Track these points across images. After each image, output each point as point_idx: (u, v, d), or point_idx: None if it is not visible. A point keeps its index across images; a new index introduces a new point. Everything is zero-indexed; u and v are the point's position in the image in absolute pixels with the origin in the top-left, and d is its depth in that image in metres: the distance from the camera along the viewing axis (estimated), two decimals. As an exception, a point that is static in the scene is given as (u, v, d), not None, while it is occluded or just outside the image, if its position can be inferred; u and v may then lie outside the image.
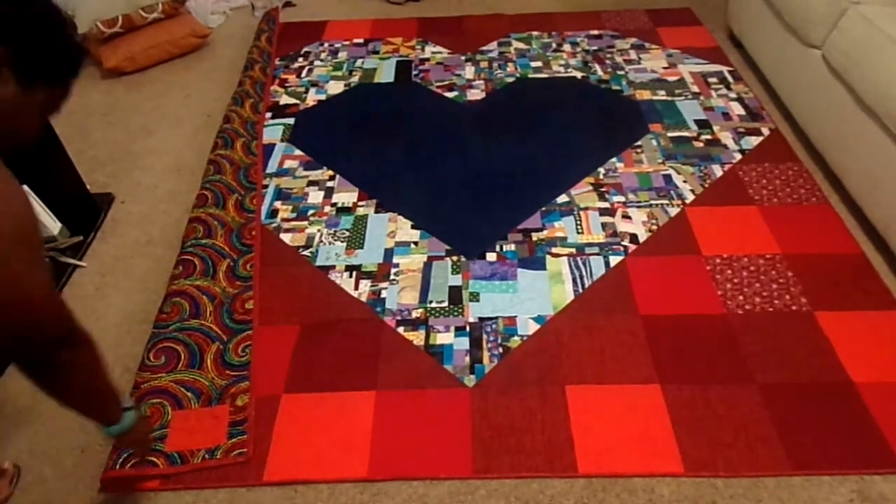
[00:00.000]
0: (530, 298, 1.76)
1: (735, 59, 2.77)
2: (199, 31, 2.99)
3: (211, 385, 1.55)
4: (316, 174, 2.23)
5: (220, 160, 2.20)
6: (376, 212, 2.06)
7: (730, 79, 2.62)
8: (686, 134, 2.33)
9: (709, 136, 2.31)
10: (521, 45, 2.93)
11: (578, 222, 1.99)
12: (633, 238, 1.93)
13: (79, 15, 2.78)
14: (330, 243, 1.96)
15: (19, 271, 0.85)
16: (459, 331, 1.68)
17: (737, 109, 2.44)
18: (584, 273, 1.83)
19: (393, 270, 1.86)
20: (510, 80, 2.70)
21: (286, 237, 1.98)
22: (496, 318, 1.72)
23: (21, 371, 0.97)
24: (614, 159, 2.23)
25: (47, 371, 0.98)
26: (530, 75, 2.72)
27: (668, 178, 2.14)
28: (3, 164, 0.87)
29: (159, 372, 1.57)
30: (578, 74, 2.70)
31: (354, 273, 1.86)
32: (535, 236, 1.95)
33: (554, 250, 1.90)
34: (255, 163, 2.26)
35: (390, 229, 2.00)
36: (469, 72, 2.75)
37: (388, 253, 1.92)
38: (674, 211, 2.02)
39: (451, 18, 3.18)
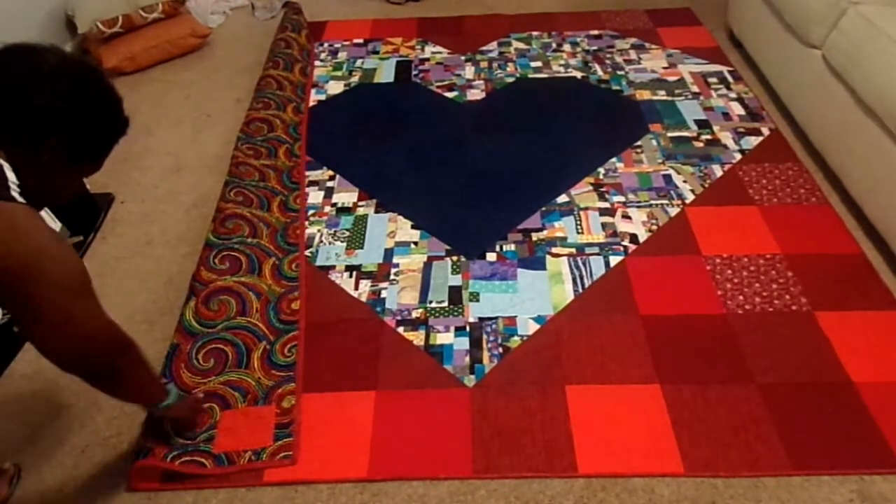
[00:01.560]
0: (530, 298, 1.76)
1: (735, 59, 2.77)
2: (199, 31, 2.99)
3: (257, 385, 1.54)
4: (316, 174, 2.23)
5: (265, 169, 2.18)
6: (376, 212, 2.06)
7: (730, 79, 2.62)
8: (686, 134, 2.33)
9: (709, 136, 2.31)
10: (521, 45, 2.93)
11: (578, 222, 1.99)
12: (633, 238, 1.93)
13: (79, 15, 2.78)
14: (330, 243, 1.96)
15: (83, 316, 1.02)
16: (459, 331, 1.68)
17: (737, 109, 2.44)
18: (584, 273, 1.83)
19: (393, 270, 1.86)
20: (510, 80, 2.70)
21: (286, 237, 1.98)
22: (496, 318, 1.71)
23: (86, 381, 1.11)
24: (614, 159, 2.23)
25: (108, 380, 1.14)
26: (530, 75, 2.72)
27: (668, 178, 2.14)
28: (47, 224, 0.98)
29: (209, 375, 1.56)
30: (578, 74, 2.70)
31: (354, 273, 1.86)
32: (535, 236, 1.95)
33: (554, 250, 1.90)
34: (298, 164, 2.25)
35: (390, 229, 2.00)
36: (469, 72, 2.75)
37: (388, 253, 1.92)
38: (674, 211, 2.02)
39: (451, 18, 3.18)
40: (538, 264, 1.86)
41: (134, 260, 1.96)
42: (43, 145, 0.98)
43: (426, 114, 2.52)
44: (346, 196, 2.13)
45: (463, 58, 2.86)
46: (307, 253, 1.93)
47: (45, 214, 1.91)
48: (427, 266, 1.87)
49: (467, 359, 1.61)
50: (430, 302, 1.77)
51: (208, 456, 1.40)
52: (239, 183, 2.07)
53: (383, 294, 1.79)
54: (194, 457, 1.39)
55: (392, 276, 1.84)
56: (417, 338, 1.67)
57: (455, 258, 1.89)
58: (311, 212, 2.07)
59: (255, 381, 1.55)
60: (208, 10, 3.25)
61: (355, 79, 2.75)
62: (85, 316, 1.03)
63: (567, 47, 2.90)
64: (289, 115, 2.46)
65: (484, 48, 2.92)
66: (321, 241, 1.97)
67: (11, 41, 1.00)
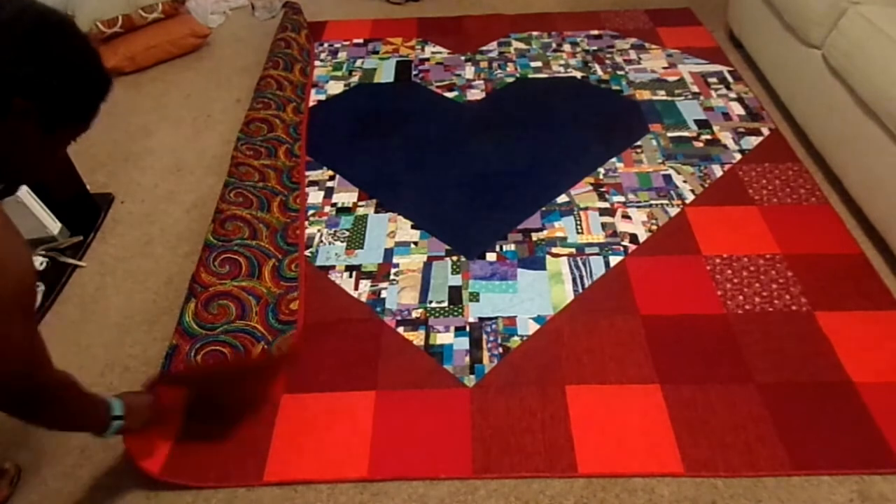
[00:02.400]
0: (530, 298, 1.76)
1: (735, 59, 2.77)
2: (199, 31, 2.99)
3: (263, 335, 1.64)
4: (316, 174, 2.23)
5: (265, 169, 2.18)
6: (376, 212, 2.06)
7: (730, 79, 2.62)
8: (686, 134, 2.33)
9: (709, 136, 2.31)
10: (521, 45, 2.93)
11: (578, 222, 1.99)
12: (633, 238, 1.93)
13: (79, 15, 2.77)
14: (330, 243, 1.96)
15: (6, 332, 0.88)
16: (459, 331, 1.68)
17: (737, 109, 2.44)
18: (584, 273, 1.83)
19: (393, 270, 1.86)
20: (510, 80, 2.70)
21: (286, 237, 1.98)
22: (496, 318, 1.72)
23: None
24: (614, 159, 2.23)
25: (21, 412, 1.03)
26: (530, 75, 2.72)
27: (668, 178, 2.14)
28: (10, 220, 0.89)
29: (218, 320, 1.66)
30: (578, 74, 2.70)
31: (354, 273, 1.86)
32: (535, 236, 1.95)
33: (554, 250, 1.90)
34: (298, 164, 2.25)
35: (390, 229, 2.00)
36: (469, 72, 2.75)
37: (388, 253, 1.92)
38: (674, 211, 2.02)
39: (451, 18, 3.18)
40: (538, 264, 1.86)
41: (134, 260, 1.96)
42: (6, 111, 0.86)
43: (426, 114, 2.52)
44: (346, 196, 2.13)
45: (463, 58, 2.86)
46: (307, 253, 1.93)
47: (45, 214, 1.91)
48: (427, 266, 1.87)
49: (467, 359, 1.61)
50: (430, 302, 1.77)
51: (226, 345, 1.47)
52: (238, 184, 2.07)
53: (383, 294, 1.79)
54: (214, 346, 1.47)
55: (392, 276, 1.84)
56: (417, 338, 1.67)
57: (455, 258, 1.89)
58: (311, 212, 2.07)
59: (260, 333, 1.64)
60: (208, 10, 3.25)
61: (355, 79, 2.75)
62: (9, 332, 0.88)
63: (567, 47, 2.90)
64: (289, 115, 2.46)
65: (484, 48, 2.92)
66: (321, 241, 1.97)
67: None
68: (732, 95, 2.52)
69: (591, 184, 2.13)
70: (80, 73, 0.93)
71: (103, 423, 1.18)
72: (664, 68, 2.70)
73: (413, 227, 2.00)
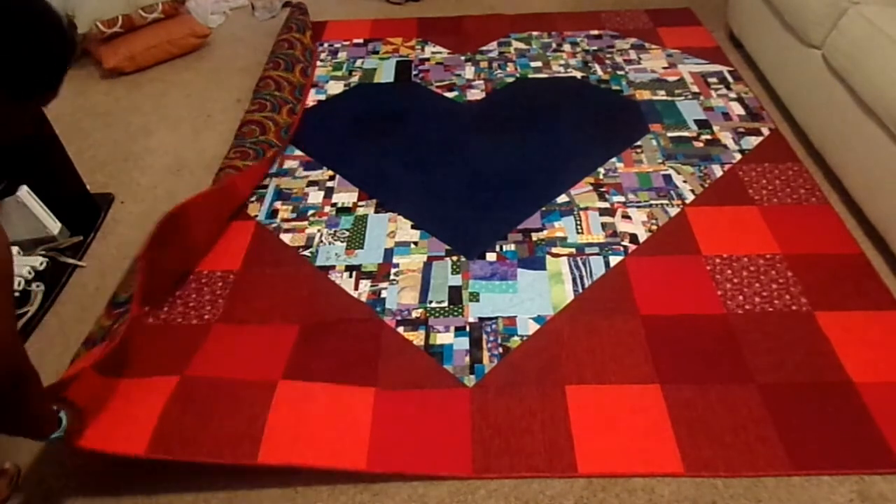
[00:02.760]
0: (530, 298, 1.76)
1: (735, 59, 2.77)
2: (199, 31, 2.99)
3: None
4: (316, 174, 2.23)
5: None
6: (376, 212, 2.06)
7: (730, 79, 2.62)
8: (686, 134, 2.33)
9: (709, 136, 2.31)
10: (521, 45, 2.93)
11: (578, 222, 1.99)
12: (633, 238, 1.93)
13: (79, 15, 2.78)
14: (330, 243, 1.96)
15: None
16: (459, 331, 1.68)
17: (737, 109, 2.44)
18: (583, 273, 1.83)
19: (393, 270, 1.86)
20: (510, 80, 2.70)
21: (286, 237, 1.98)
22: (496, 318, 1.71)
23: None
24: (614, 159, 2.23)
25: None
26: (530, 75, 2.72)
27: (667, 178, 2.14)
28: None
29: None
30: (578, 74, 2.70)
31: (354, 273, 1.86)
32: (535, 236, 1.95)
33: (554, 250, 1.90)
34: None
35: (390, 229, 2.00)
36: (469, 72, 2.75)
37: (388, 253, 1.92)
38: (674, 211, 2.02)
39: (451, 18, 3.18)
40: (538, 264, 1.86)
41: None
42: None
43: (426, 114, 2.52)
44: (346, 196, 2.13)
45: (463, 58, 2.86)
46: (307, 253, 1.93)
47: (45, 214, 1.91)
48: (427, 266, 1.87)
49: (467, 359, 1.61)
50: (430, 302, 1.77)
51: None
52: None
53: (383, 294, 1.79)
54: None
55: (392, 276, 1.84)
56: (417, 338, 1.67)
57: (455, 258, 1.89)
58: (310, 212, 2.07)
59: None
60: (208, 10, 3.25)
61: (355, 79, 2.75)
62: None
63: (567, 47, 2.90)
64: (283, 117, 2.45)
65: (484, 48, 2.92)
66: (321, 241, 1.97)
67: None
68: (732, 95, 2.52)
69: (591, 184, 2.13)
70: (46, 44, 0.91)
71: (58, 418, 1.20)
72: (664, 68, 2.70)
73: (413, 227, 2.00)
